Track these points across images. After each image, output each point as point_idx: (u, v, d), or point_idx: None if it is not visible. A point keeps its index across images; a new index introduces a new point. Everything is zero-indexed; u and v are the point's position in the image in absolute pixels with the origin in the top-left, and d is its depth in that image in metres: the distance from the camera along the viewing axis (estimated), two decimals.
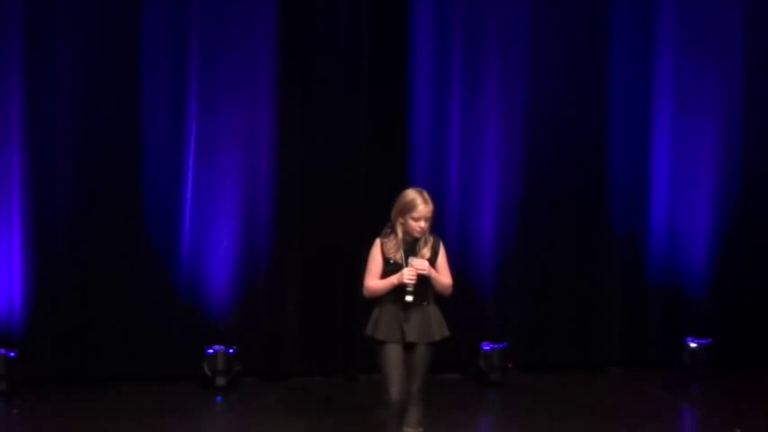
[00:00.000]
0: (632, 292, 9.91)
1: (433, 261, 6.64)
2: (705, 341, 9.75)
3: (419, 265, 6.53)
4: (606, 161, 9.82)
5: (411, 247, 6.61)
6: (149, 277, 9.19)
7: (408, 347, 6.60)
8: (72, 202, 9.07)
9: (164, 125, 9.18)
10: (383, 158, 9.44)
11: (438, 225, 9.38)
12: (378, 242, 6.68)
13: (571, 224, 9.82)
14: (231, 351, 9.20)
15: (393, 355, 6.58)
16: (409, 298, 6.51)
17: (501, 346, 9.48)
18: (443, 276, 6.68)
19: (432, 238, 6.69)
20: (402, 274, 6.51)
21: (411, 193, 6.62)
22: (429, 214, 6.59)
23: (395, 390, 6.56)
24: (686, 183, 9.90)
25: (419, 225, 6.57)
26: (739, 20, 9.83)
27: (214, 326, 9.29)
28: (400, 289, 6.53)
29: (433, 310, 6.65)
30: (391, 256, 6.62)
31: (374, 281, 6.65)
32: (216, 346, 9.18)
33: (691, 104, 9.85)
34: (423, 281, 6.56)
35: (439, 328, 6.65)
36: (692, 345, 9.74)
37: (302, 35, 9.34)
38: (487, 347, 9.46)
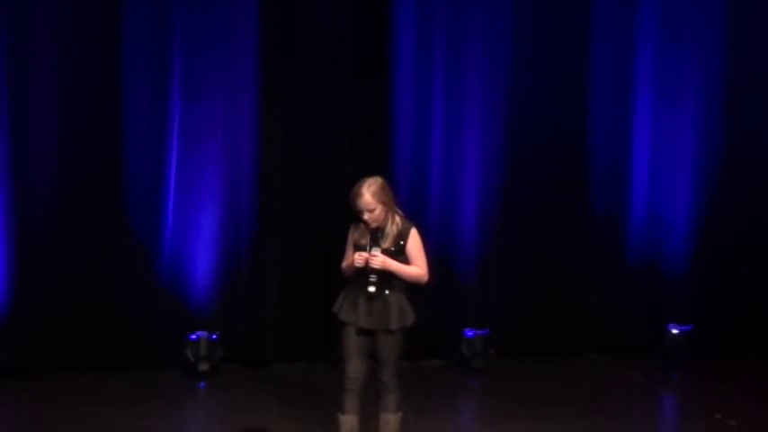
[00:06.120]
0: (613, 279, 9.94)
1: (399, 250, 6.58)
2: (686, 327, 9.79)
3: (374, 260, 6.47)
4: (587, 147, 9.83)
5: (381, 233, 6.57)
6: (132, 264, 9.18)
7: (370, 333, 6.59)
8: (54, 189, 9.04)
9: (146, 113, 9.15)
10: (366, 148, 9.43)
11: (420, 212, 9.47)
12: (351, 227, 6.69)
13: (552, 210, 9.84)
14: (214, 337, 9.21)
15: (350, 337, 6.61)
16: (371, 289, 6.48)
17: (483, 332, 9.50)
18: (413, 267, 6.59)
19: (401, 224, 6.61)
20: (359, 255, 6.50)
21: (354, 187, 6.56)
22: (366, 206, 6.49)
23: (350, 368, 6.60)
24: (667, 169, 9.93)
25: (364, 217, 6.52)
26: (721, 6, 9.85)
27: (197, 312, 9.29)
28: (364, 274, 6.52)
29: (395, 299, 6.57)
30: (357, 240, 6.61)
31: (345, 262, 6.70)
32: (198, 333, 9.19)
33: (672, 91, 9.87)
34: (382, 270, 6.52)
35: (399, 318, 6.57)
36: (673, 331, 9.78)
37: (285, 23, 9.32)
38: (470, 334, 9.49)
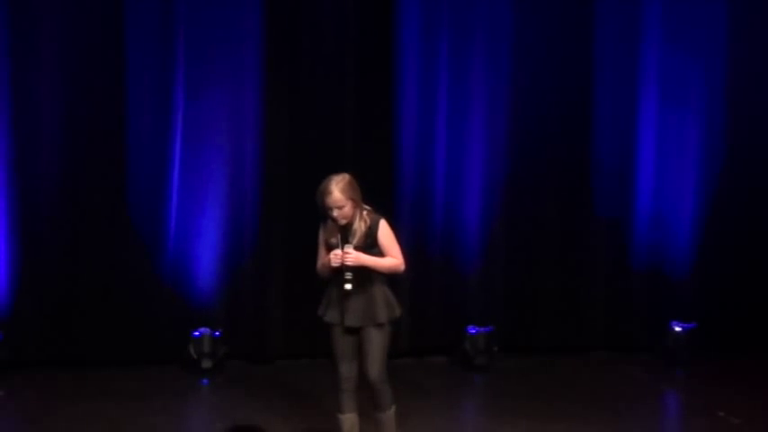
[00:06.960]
0: (617, 277, 9.92)
1: (371, 243, 6.51)
2: (689, 325, 9.78)
3: (347, 257, 6.42)
4: (592, 147, 9.82)
5: (350, 229, 6.51)
6: (135, 260, 9.19)
7: (356, 331, 6.56)
8: (57, 186, 9.05)
9: (150, 110, 9.16)
10: (370, 143, 9.43)
11: (424, 209, 9.48)
12: (320, 227, 6.64)
13: (557, 209, 9.83)
14: (217, 334, 9.22)
15: (337, 338, 6.61)
16: (348, 286, 6.42)
17: (486, 329, 9.51)
18: (387, 258, 6.53)
19: (369, 219, 6.52)
20: (334, 254, 6.45)
21: (321, 185, 6.48)
22: (336, 204, 6.41)
23: (343, 369, 6.61)
24: (671, 168, 9.91)
25: (334, 215, 6.45)
26: (723, 8, 9.83)
27: (200, 309, 9.30)
28: (341, 273, 6.46)
29: (379, 292, 6.53)
30: (327, 239, 6.55)
31: (319, 263, 6.65)
32: (202, 329, 9.20)
33: (676, 92, 9.85)
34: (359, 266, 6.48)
35: (386, 310, 6.54)
36: (677, 329, 9.78)
37: (289, 20, 9.32)
38: (473, 331, 9.49)
